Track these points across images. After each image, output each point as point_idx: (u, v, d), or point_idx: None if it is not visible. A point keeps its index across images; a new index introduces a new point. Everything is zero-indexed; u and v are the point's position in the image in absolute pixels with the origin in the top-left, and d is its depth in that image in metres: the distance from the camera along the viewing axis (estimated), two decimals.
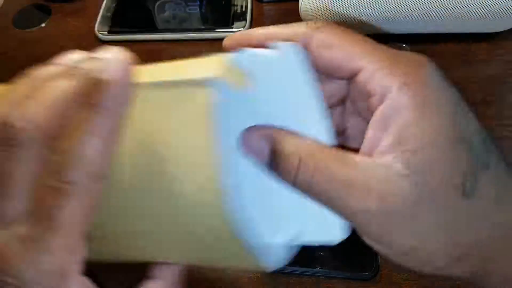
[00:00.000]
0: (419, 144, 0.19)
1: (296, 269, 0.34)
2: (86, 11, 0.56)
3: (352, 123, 0.25)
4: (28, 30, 0.54)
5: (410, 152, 0.19)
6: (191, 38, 0.51)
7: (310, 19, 0.46)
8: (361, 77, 0.21)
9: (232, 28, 0.51)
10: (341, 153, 0.20)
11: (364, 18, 0.44)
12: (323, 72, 0.22)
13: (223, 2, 0.54)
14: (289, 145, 0.21)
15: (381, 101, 0.20)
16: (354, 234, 0.35)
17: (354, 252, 0.34)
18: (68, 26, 0.54)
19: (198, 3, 0.54)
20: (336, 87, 0.24)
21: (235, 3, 0.53)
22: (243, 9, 0.53)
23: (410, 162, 0.19)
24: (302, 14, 0.47)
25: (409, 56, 0.21)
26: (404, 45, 0.45)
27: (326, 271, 0.33)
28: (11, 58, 0.51)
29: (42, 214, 0.16)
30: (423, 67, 0.20)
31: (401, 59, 0.20)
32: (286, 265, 0.33)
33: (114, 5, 0.55)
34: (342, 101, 0.25)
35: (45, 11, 0.56)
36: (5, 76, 0.53)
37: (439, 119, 0.19)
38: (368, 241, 0.22)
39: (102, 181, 0.17)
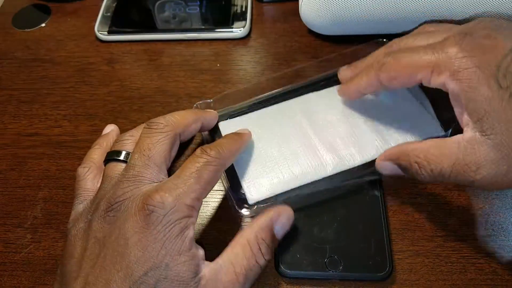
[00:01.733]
0: (482, 112, 0.27)
1: (308, 273, 0.33)
2: (86, 11, 0.56)
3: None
4: (28, 30, 0.54)
5: (478, 120, 0.27)
6: (191, 38, 0.51)
7: (310, 19, 0.46)
8: (424, 83, 0.31)
9: (232, 28, 0.51)
10: (441, 145, 0.29)
11: (364, 18, 0.44)
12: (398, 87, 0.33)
13: (223, 2, 0.54)
14: (404, 156, 0.31)
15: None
16: (366, 236, 0.35)
17: (367, 253, 0.34)
18: (68, 26, 0.54)
19: (198, 3, 0.54)
20: None
21: (235, 3, 0.53)
22: (243, 9, 0.53)
23: (482, 129, 0.27)
24: (302, 14, 0.47)
25: (445, 48, 0.29)
26: (385, 40, 0.45)
27: (339, 274, 0.33)
28: (11, 58, 0.51)
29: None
30: (456, 56, 0.28)
31: (441, 54, 0.29)
32: (300, 270, 0.33)
33: (114, 5, 0.55)
34: None
35: (45, 11, 0.56)
36: (5, 76, 0.53)
37: (489, 91, 0.27)
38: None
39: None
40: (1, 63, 0.51)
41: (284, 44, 0.50)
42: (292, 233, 0.35)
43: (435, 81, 0.29)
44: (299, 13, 0.47)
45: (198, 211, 0.29)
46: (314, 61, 0.47)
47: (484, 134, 0.27)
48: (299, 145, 0.36)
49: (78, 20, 0.55)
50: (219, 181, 0.38)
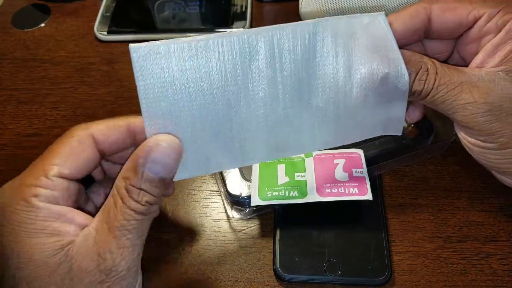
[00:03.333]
0: None
1: (308, 277, 0.33)
2: (85, 11, 0.56)
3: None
4: (28, 30, 0.54)
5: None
6: None
7: (310, 19, 0.46)
8: (481, 21, 0.28)
9: (232, 28, 0.51)
10: (453, 66, 0.28)
11: None
12: (443, 34, 0.30)
13: (223, 2, 0.54)
14: (415, 61, 0.28)
15: (495, 35, 0.28)
16: (365, 241, 0.35)
17: (366, 258, 0.34)
18: (67, 26, 0.54)
19: (198, 3, 0.54)
20: (444, 49, 0.31)
21: (235, 3, 0.53)
22: (243, 9, 0.53)
23: (510, 73, 0.26)
24: (302, 14, 0.47)
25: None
26: None
27: (338, 278, 0.33)
28: (10, 58, 0.51)
29: None
30: None
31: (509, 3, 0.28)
32: (299, 274, 0.33)
33: (113, 5, 0.54)
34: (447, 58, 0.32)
35: (44, 11, 0.56)
36: (5, 76, 0.53)
37: None
38: (471, 138, 0.29)
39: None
40: (0, 63, 0.51)
41: None
42: (291, 237, 0.35)
43: (497, 21, 0.27)
44: (299, 13, 0.47)
45: None
46: None
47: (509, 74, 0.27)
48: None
49: (77, 20, 0.55)
50: (214, 181, 0.38)
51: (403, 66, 0.27)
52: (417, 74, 0.27)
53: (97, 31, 0.52)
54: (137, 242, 0.25)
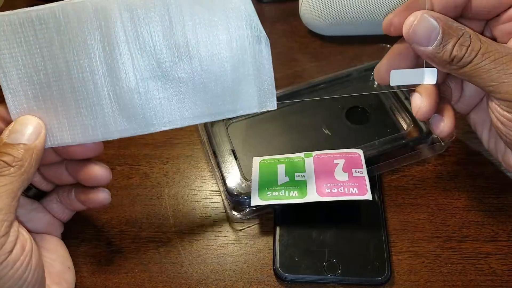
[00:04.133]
0: None
1: (308, 277, 0.33)
2: None
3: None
4: None
5: None
6: None
7: (310, 19, 0.46)
8: None
9: None
10: (494, 41, 0.27)
11: (364, 19, 0.44)
12: (480, 13, 0.28)
13: None
14: (457, 27, 0.26)
15: None
16: (364, 240, 0.35)
17: (366, 258, 0.34)
18: None
19: None
20: (473, 28, 0.28)
21: None
22: None
23: None
24: (302, 14, 0.47)
25: None
26: (388, 46, 0.45)
27: (338, 278, 0.33)
28: None
29: None
30: None
31: None
32: (299, 274, 0.33)
33: None
34: None
35: None
36: None
37: None
38: (506, 112, 0.27)
39: None
40: None
41: (284, 44, 0.50)
42: (291, 237, 0.35)
43: None
44: (299, 14, 0.47)
45: None
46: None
47: None
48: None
49: None
50: (214, 181, 0.38)
51: (260, 27, 0.27)
52: (459, 38, 0.26)
53: None
54: None
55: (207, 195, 0.39)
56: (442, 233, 0.36)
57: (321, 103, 0.41)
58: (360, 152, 0.36)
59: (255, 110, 0.29)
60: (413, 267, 0.34)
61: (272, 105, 0.29)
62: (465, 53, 0.26)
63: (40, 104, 0.27)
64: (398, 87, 0.37)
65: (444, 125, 0.31)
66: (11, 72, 0.26)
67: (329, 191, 0.34)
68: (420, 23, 0.27)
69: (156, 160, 0.41)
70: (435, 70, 0.30)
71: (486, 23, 0.30)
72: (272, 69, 0.28)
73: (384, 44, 0.44)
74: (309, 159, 0.36)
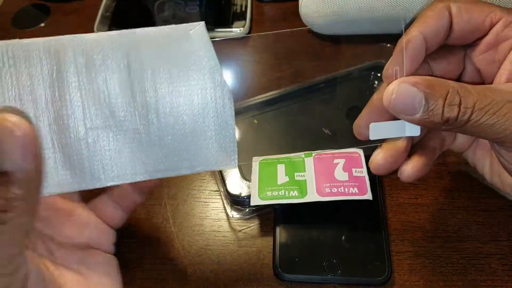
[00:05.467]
0: None
1: (308, 277, 0.33)
2: (85, 11, 0.56)
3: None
4: (27, 30, 0.54)
5: None
6: None
7: (310, 19, 0.46)
8: (498, 26, 0.25)
9: (232, 27, 0.51)
10: (482, 85, 0.24)
11: (364, 18, 0.44)
12: (458, 37, 0.26)
13: (223, 2, 0.54)
14: (441, 83, 0.24)
15: None
16: (365, 240, 0.35)
17: (366, 258, 0.34)
18: (67, 26, 0.54)
19: (198, 2, 0.54)
20: (453, 66, 0.28)
21: (235, 3, 0.53)
22: (243, 9, 0.53)
23: None
24: (302, 14, 0.47)
25: None
26: (388, 45, 0.45)
27: (338, 278, 0.33)
28: None
29: None
30: None
31: None
32: (299, 274, 0.33)
33: (113, 4, 0.54)
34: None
35: (44, 11, 0.56)
36: None
37: None
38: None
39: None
40: None
41: (284, 44, 0.50)
42: (291, 237, 0.35)
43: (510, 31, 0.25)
44: (299, 13, 0.47)
45: None
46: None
47: None
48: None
49: (77, 20, 0.55)
50: (214, 181, 0.38)
51: (224, 81, 0.24)
52: (445, 99, 0.23)
53: (97, 31, 0.52)
54: None
55: (207, 195, 0.39)
56: (443, 233, 0.36)
57: (321, 103, 0.41)
58: (360, 151, 0.36)
59: (215, 168, 0.27)
60: (414, 267, 0.34)
61: (234, 163, 0.26)
62: (458, 112, 0.23)
63: None
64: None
65: (406, 168, 0.29)
66: None
67: (329, 191, 0.34)
68: (399, 95, 0.24)
69: None
70: None
71: (465, 54, 0.28)
72: (234, 125, 0.25)
73: (384, 44, 0.44)
74: (309, 159, 0.36)
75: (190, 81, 0.24)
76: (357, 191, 0.34)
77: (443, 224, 0.36)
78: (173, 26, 0.24)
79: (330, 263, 0.34)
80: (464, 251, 0.35)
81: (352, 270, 0.33)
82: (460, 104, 0.23)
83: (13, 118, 0.19)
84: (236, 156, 0.26)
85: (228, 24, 0.51)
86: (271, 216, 0.37)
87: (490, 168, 0.31)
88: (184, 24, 0.24)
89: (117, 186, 0.28)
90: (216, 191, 0.39)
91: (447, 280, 0.33)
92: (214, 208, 0.38)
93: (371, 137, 0.28)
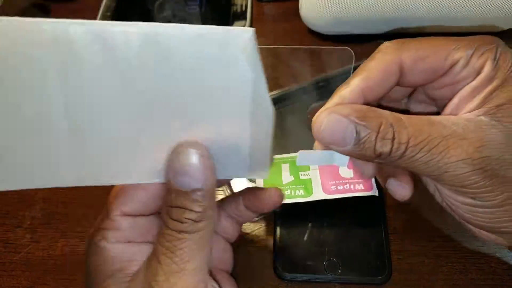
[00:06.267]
0: (504, 100, 0.22)
1: (308, 276, 0.33)
2: (85, 11, 0.56)
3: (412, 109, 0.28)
4: None
5: (495, 107, 0.22)
6: None
7: (310, 18, 0.46)
8: (457, 67, 0.24)
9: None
10: (422, 117, 0.23)
11: (364, 18, 0.44)
12: (415, 83, 0.25)
13: (223, 2, 0.54)
14: (373, 114, 0.22)
15: (472, 79, 0.23)
16: (365, 240, 0.35)
17: (366, 257, 0.34)
18: None
19: (198, 2, 0.54)
20: (404, 90, 0.27)
21: (235, 3, 0.53)
22: (243, 9, 0.53)
23: (496, 114, 0.22)
24: (302, 13, 0.47)
25: (483, 38, 0.24)
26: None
27: (338, 277, 0.33)
28: None
29: None
30: (498, 43, 0.23)
31: (482, 41, 0.24)
32: (299, 273, 0.33)
33: (113, 4, 0.54)
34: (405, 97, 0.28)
35: (44, 11, 0.56)
36: None
37: None
38: (460, 197, 0.24)
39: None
40: None
41: (285, 43, 0.50)
42: (291, 236, 0.35)
43: (474, 64, 0.23)
44: (299, 13, 0.47)
45: None
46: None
47: (497, 120, 0.22)
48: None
49: (77, 20, 0.55)
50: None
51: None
52: (378, 132, 0.22)
53: None
54: (188, 266, 0.22)
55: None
56: (443, 232, 0.36)
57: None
58: None
59: (245, 176, 0.26)
60: (414, 266, 0.34)
61: (265, 174, 0.25)
62: (391, 148, 0.22)
63: None
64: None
65: (405, 191, 0.27)
66: None
67: (335, 188, 0.34)
68: (328, 125, 0.22)
69: None
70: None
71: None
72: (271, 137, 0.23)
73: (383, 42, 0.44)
74: None
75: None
76: (362, 188, 0.34)
77: (443, 223, 0.36)
78: (212, 28, 0.19)
79: (330, 262, 0.34)
80: (464, 250, 0.35)
81: (353, 269, 0.33)
82: (393, 138, 0.22)
83: (192, 147, 0.21)
84: (269, 167, 0.25)
85: (228, 24, 0.51)
86: (271, 216, 0.37)
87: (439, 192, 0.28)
88: (227, 28, 0.20)
89: (229, 201, 0.30)
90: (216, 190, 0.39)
91: (447, 279, 0.33)
92: None
93: (298, 163, 0.26)
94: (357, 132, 0.22)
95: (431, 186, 0.27)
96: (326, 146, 0.24)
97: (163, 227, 0.23)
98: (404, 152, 0.22)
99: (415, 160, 0.22)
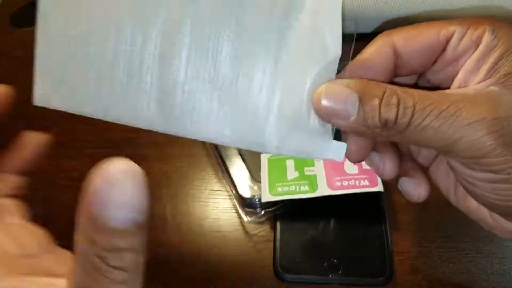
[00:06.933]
0: (510, 70, 0.21)
1: (309, 277, 0.33)
2: None
3: None
4: (26, 28, 0.54)
5: (504, 76, 0.21)
6: None
7: None
8: (453, 41, 0.22)
9: None
10: (430, 91, 0.21)
11: (364, 16, 0.44)
12: (415, 66, 0.24)
13: None
14: (376, 85, 0.21)
15: (472, 52, 0.22)
16: (365, 240, 0.35)
17: (367, 258, 0.34)
18: None
19: None
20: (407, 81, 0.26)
21: None
22: None
23: (506, 84, 0.20)
24: None
25: (478, 17, 0.23)
26: None
27: (339, 279, 0.33)
28: (8, 57, 0.51)
29: None
30: (497, 19, 0.22)
31: (479, 18, 0.22)
32: (300, 274, 0.33)
33: None
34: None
35: None
36: (3, 75, 0.53)
37: None
38: (479, 173, 0.21)
39: None
40: None
41: None
42: (292, 237, 0.35)
43: (471, 36, 0.22)
44: None
45: None
46: None
47: (509, 88, 0.20)
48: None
49: None
50: (214, 181, 0.38)
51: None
52: (382, 98, 0.20)
53: None
54: None
55: (207, 195, 0.39)
56: (444, 232, 0.36)
57: None
58: None
59: (317, 156, 0.24)
60: (415, 267, 0.34)
61: (340, 156, 0.23)
62: (397, 112, 0.20)
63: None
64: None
65: (421, 189, 0.26)
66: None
67: (340, 184, 0.34)
68: (328, 95, 0.21)
69: (154, 160, 0.41)
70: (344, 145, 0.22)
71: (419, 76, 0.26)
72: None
73: None
74: None
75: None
76: (368, 183, 0.34)
77: (444, 224, 0.36)
78: None
79: (331, 263, 0.33)
80: (465, 250, 0.35)
81: (353, 270, 0.33)
82: (398, 104, 0.20)
83: (107, 168, 0.16)
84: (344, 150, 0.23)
85: None
86: (271, 217, 0.37)
87: (455, 190, 0.27)
88: None
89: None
90: (216, 190, 0.39)
91: (448, 280, 0.33)
92: (213, 209, 0.38)
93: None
94: (360, 99, 0.20)
95: (443, 183, 0.26)
96: (326, 121, 0.22)
97: (102, 280, 0.16)
98: (411, 118, 0.20)
99: (424, 128, 0.20)
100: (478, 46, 0.22)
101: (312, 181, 0.34)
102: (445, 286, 0.33)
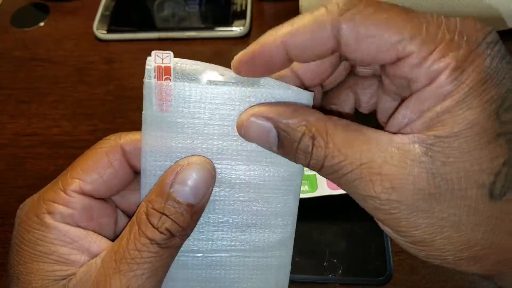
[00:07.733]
0: (448, 133, 0.17)
1: (308, 277, 0.33)
2: (84, 10, 0.55)
3: (383, 101, 0.23)
4: (27, 29, 0.54)
5: (436, 137, 0.17)
6: (190, 37, 0.51)
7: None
8: (407, 63, 0.18)
9: (232, 26, 0.51)
10: (358, 128, 0.19)
11: None
12: (358, 63, 0.21)
13: (223, 1, 0.53)
14: (297, 118, 0.19)
15: (425, 86, 0.18)
16: (365, 240, 0.35)
17: (366, 257, 0.34)
18: (66, 25, 0.54)
19: (198, 2, 0.54)
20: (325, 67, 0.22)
21: (235, 2, 0.53)
22: (243, 8, 0.52)
23: (432, 148, 0.17)
24: (302, 12, 0.47)
25: (465, 28, 0.18)
26: None
27: (338, 278, 0.33)
28: (9, 57, 0.51)
29: None
30: (478, 46, 0.17)
31: (455, 36, 0.17)
32: (299, 274, 0.33)
33: (113, 4, 0.54)
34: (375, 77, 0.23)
35: (43, 10, 0.56)
36: (4, 75, 0.53)
37: (481, 112, 0.17)
38: (379, 224, 0.22)
39: None
40: None
41: None
42: None
43: (429, 68, 0.17)
44: (299, 12, 0.47)
45: None
46: None
47: (430, 156, 0.18)
48: None
49: (77, 19, 0.55)
50: None
51: None
52: (298, 143, 0.19)
53: (97, 30, 0.52)
54: (148, 284, 0.20)
55: None
56: None
57: None
58: None
59: None
60: (415, 266, 0.34)
61: None
62: (309, 162, 0.20)
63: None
64: None
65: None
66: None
67: None
68: (250, 129, 0.20)
69: None
70: (311, 94, 0.21)
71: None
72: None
73: None
74: None
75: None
76: None
77: None
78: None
79: (330, 263, 0.34)
80: None
81: (353, 270, 0.33)
82: (311, 153, 0.19)
83: (193, 157, 0.21)
84: None
85: (228, 23, 0.51)
86: None
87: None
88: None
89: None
90: None
91: (449, 280, 0.33)
92: None
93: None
94: (279, 139, 0.20)
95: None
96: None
97: (135, 230, 0.20)
98: (320, 169, 0.20)
99: (333, 179, 0.20)
100: (432, 82, 0.18)
101: (312, 181, 0.34)
102: (444, 286, 0.33)
